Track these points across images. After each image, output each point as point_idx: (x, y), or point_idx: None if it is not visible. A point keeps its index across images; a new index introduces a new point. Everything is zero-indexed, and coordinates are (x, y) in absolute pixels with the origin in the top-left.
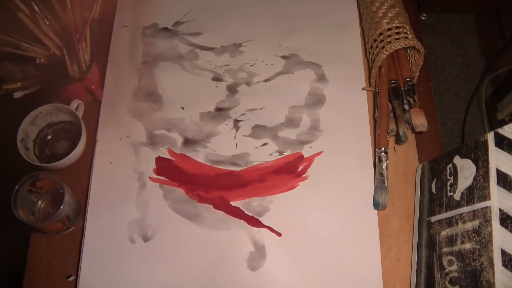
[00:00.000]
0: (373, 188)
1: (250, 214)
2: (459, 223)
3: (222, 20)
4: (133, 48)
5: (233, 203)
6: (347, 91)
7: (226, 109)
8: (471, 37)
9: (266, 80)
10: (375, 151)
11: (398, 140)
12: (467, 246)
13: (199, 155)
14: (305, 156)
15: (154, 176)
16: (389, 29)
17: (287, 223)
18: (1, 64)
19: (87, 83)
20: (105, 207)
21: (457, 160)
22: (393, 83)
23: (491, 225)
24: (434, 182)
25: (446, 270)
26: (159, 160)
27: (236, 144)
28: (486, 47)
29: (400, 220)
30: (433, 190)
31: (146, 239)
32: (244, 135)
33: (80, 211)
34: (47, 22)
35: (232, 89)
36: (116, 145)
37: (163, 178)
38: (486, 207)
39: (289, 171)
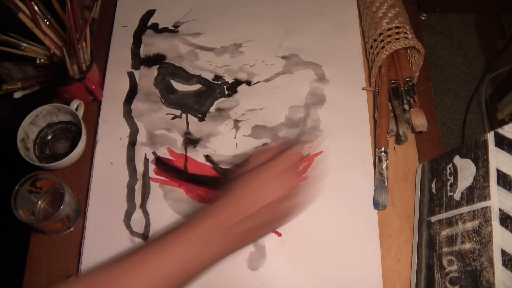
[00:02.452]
0: (373, 188)
1: None
2: (459, 223)
3: (222, 20)
4: (133, 48)
5: None
6: (347, 91)
7: (226, 109)
8: (471, 37)
9: (266, 80)
10: (375, 151)
11: (398, 140)
12: (467, 246)
13: (199, 155)
14: (305, 156)
15: (154, 176)
16: (389, 29)
17: (287, 223)
18: (1, 64)
19: (87, 83)
20: (105, 207)
21: (457, 160)
22: (393, 83)
23: (491, 225)
24: (434, 182)
25: (446, 270)
26: (159, 160)
27: (236, 144)
28: (486, 47)
29: (400, 220)
30: (433, 190)
31: (146, 239)
32: (244, 135)
33: (80, 211)
34: (47, 22)
35: (232, 89)
36: (116, 145)
37: (163, 178)
38: (486, 207)
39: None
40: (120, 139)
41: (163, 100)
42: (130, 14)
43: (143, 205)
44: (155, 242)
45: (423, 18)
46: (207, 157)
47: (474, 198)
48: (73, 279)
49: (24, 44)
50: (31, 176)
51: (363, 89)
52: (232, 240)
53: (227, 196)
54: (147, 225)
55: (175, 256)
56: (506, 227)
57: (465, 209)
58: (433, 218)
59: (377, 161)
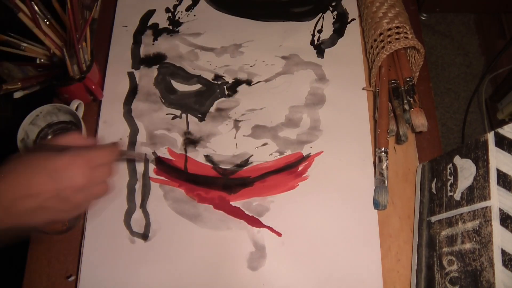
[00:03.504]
0: (373, 188)
1: (250, 214)
2: (459, 223)
3: (222, 20)
4: (133, 48)
5: (233, 203)
6: (347, 91)
7: (226, 109)
8: (471, 37)
9: (266, 80)
10: (375, 151)
11: (398, 140)
12: (467, 246)
13: (199, 155)
14: (305, 156)
15: (154, 176)
16: (389, 29)
17: (287, 223)
18: (1, 64)
19: (87, 83)
20: (105, 207)
21: (457, 160)
22: (393, 83)
23: (491, 225)
24: (434, 182)
25: (446, 270)
26: (159, 160)
27: (236, 144)
28: (486, 47)
29: (400, 220)
30: (433, 190)
31: (146, 239)
32: (244, 135)
33: None
34: (47, 22)
35: (232, 90)
36: None
37: (163, 178)
38: (486, 207)
39: (289, 171)
40: (120, 139)
41: (163, 100)
42: (130, 14)
43: (143, 205)
44: None
45: (423, 18)
46: (207, 157)
47: (474, 198)
48: None
49: (24, 44)
50: None
51: (363, 89)
52: (8, 214)
53: (17, 166)
54: (147, 225)
55: None
56: (506, 227)
57: (465, 209)
58: (433, 218)
59: (377, 161)
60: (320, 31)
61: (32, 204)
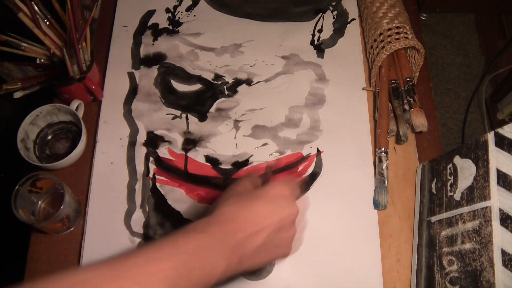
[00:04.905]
0: (373, 188)
1: None
2: (459, 223)
3: (222, 20)
4: (133, 48)
5: None
6: (347, 91)
7: (226, 109)
8: (471, 37)
9: (266, 80)
10: (375, 151)
11: (398, 140)
12: (467, 246)
13: (199, 155)
14: (305, 156)
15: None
16: (389, 29)
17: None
18: (1, 64)
19: (87, 83)
20: (105, 207)
21: (457, 160)
22: (393, 83)
23: (491, 225)
24: (434, 182)
25: (446, 270)
26: (159, 160)
27: (236, 144)
28: (486, 47)
29: (400, 220)
30: (433, 190)
31: (146, 239)
32: (244, 135)
33: (80, 211)
34: (47, 22)
35: (232, 90)
36: (116, 145)
37: (163, 178)
38: (486, 207)
39: (289, 171)
40: (120, 139)
41: (163, 100)
42: (130, 14)
43: (143, 205)
44: (146, 250)
45: (423, 18)
46: (207, 157)
47: (474, 198)
48: (53, 278)
49: (24, 44)
50: (31, 176)
51: (363, 89)
52: (235, 258)
53: (225, 212)
54: (147, 225)
55: (165, 270)
56: (506, 227)
57: (465, 209)
58: (433, 218)
59: (377, 161)
60: (320, 31)
61: (258, 241)
